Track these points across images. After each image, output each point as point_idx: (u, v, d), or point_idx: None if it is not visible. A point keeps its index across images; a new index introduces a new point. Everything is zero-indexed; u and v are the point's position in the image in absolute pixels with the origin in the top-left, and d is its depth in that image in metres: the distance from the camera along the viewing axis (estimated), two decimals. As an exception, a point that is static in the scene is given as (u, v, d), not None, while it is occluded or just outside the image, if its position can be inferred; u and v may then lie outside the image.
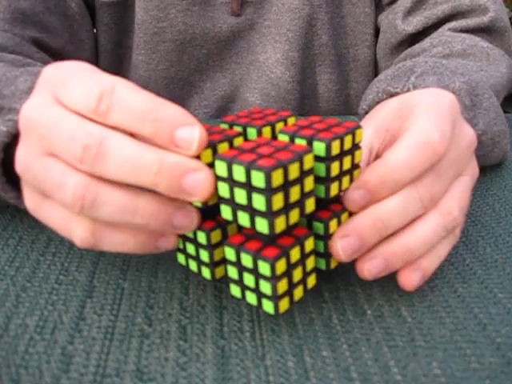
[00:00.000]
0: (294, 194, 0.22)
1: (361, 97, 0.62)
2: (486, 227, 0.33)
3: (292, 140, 0.24)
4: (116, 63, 0.58)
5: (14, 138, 0.27)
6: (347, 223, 0.25)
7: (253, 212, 0.22)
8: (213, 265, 0.25)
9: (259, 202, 0.21)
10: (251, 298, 0.24)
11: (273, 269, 0.22)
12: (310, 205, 0.23)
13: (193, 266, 0.27)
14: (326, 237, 0.25)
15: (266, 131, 0.26)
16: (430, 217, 0.26)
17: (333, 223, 0.25)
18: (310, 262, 0.25)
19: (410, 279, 0.26)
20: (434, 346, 0.24)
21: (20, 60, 0.35)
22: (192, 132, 0.22)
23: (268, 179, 0.20)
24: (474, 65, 0.40)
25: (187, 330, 0.25)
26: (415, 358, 0.23)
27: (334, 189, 0.24)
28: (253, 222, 0.22)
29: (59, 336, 0.25)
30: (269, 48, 0.55)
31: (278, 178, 0.21)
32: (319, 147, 0.23)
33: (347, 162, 0.24)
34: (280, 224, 0.22)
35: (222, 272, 0.26)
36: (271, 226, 0.21)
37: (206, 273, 0.26)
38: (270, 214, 0.21)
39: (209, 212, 0.25)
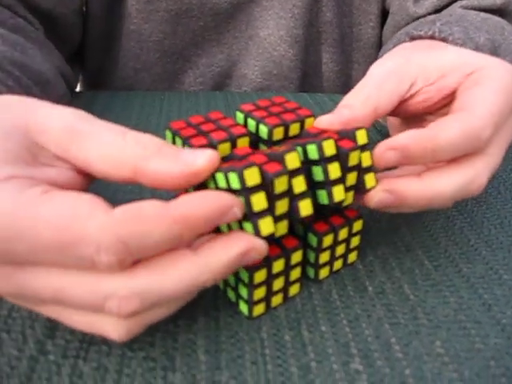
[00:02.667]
0: (281, 207, 0.21)
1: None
2: (491, 209, 0.32)
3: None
4: (106, 32, 0.55)
5: None
6: (393, 183, 0.24)
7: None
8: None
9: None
10: (231, 295, 0.24)
11: (251, 278, 0.22)
12: (282, 228, 0.21)
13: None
14: (319, 249, 0.24)
15: (278, 132, 0.25)
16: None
17: (327, 238, 0.24)
18: (295, 273, 0.24)
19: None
20: (438, 325, 0.23)
21: None
22: (235, 212, 0.19)
23: (241, 179, 0.19)
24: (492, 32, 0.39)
25: (180, 300, 0.24)
26: (418, 337, 0.22)
27: (338, 193, 0.22)
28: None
29: (45, 301, 0.23)
30: (271, 24, 0.53)
31: (252, 178, 0.19)
32: (312, 149, 0.22)
33: (352, 178, 0.23)
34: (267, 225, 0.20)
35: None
36: (256, 228, 0.20)
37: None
38: (252, 216, 0.20)
39: None
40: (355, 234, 0.26)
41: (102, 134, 0.20)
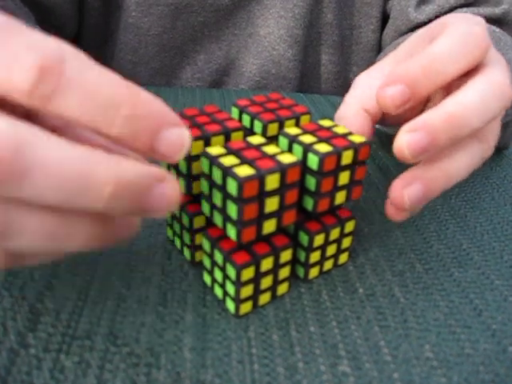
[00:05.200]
0: (271, 204, 0.20)
1: None
2: (484, 214, 0.32)
3: (290, 144, 0.22)
4: (104, 24, 0.55)
5: None
6: (415, 121, 0.21)
7: (225, 216, 0.20)
8: (193, 248, 0.25)
9: (231, 209, 0.20)
10: (218, 292, 0.23)
11: (238, 275, 0.21)
12: (290, 217, 0.22)
13: (177, 243, 0.26)
14: (310, 249, 0.24)
15: (273, 128, 0.25)
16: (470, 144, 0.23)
17: (319, 238, 0.24)
18: (284, 272, 0.23)
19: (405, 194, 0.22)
20: (427, 329, 0.23)
21: None
22: (181, 135, 0.16)
23: (240, 189, 0.19)
24: None
25: (167, 296, 0.23)
26: (407, 340, 0.22)
27: (322, 204, 0.23)
28: (224, 225, 0.21)
29: (28, 293, 0.23)
30: (271, 22, 0.53)
31: (251, 189, 0.19)
32: (312, 160, 0.21)
33: (344, 178, 0.23)
34: (249, 234, 0.20)
35: (201, 256, 0.25)
36: (239, 234, 0.20)
37: (187, 254, 0.25)
38: (239, 224, 0.20)
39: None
40: (347, 235, 0.25)
41: None
